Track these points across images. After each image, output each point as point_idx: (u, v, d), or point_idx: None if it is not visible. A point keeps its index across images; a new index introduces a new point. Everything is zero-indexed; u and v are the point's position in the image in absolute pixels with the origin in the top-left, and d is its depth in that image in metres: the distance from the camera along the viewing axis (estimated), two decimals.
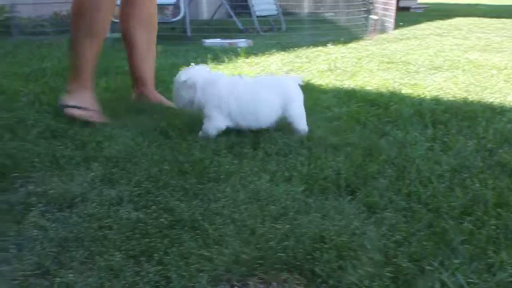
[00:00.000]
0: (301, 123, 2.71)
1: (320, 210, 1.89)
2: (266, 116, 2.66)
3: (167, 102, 3.19)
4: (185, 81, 2.63)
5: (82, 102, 2.82)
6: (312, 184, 2.10)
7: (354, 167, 2.25)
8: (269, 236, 1.70)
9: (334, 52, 5.70)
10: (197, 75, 2.65)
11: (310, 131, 2.71)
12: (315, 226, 1.76)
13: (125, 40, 3.24)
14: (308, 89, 3.73)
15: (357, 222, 1.80)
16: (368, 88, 3.85)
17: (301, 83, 2.76)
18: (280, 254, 1.61)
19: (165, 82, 3.67)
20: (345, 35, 7.08)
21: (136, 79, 3.30)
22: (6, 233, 1.75)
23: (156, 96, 3.27)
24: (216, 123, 2.61)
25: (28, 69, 4.43)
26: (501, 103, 3.46)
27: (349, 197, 2.01)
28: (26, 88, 3.73)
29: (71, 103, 2.80)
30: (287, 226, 1.75)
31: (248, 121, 2.64)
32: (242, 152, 2.42)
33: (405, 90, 3.76)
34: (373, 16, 7.75)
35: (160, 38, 6.20)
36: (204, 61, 4.88)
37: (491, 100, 3.53)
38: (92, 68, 2.89)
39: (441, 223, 1.78)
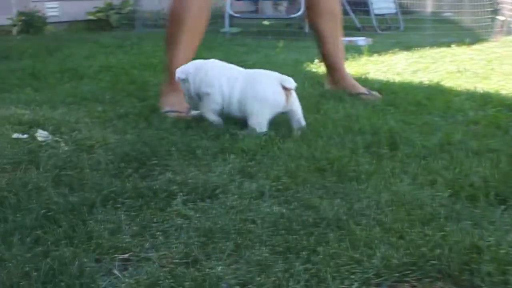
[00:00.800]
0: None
1: (470, 218, 1.78)
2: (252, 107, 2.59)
3: (360, 88, 3.40)
4: (179, 78, 2.68)
5: (174, 105, 2.92)
6: (458, 190, 1.99)
7: (502, 175, 2.11)
8: (420, 242, 1.61)
9: (460, 54, 5.46)
10: (188, 67, 2.69)
11: (449, 134, 2.59)
12: (468, 235, 1.65)
13: (314, 31, 3.51)
14: (438, 91, 3.59)
15: None
16: (504, 92, 3.63)
17: (291, 85, 2.59)
18: (433, 262, 1.53)
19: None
20: (468, 36, 6.77)
21: (328, 66, 3.55)
22: (152, 220, 1.77)
23: (350, 80, 3.51)
24: (210, 103, 2.66)
25: (155, 60, 4.57)
26: None
27: (502, 206, 1.88)
28: (155, 78, 3.85)
29: (167, 108, 2.92)
30: (439, 233, 1.66)
31: (231, 108, 2.63)
32: (380, 152, 2.34)
33: None
34: (499, 17, 7.37)
35: (278, 34, 6.22)
36: None
37: None
38: None
39: None
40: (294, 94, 2.61)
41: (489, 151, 2.39)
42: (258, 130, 2.55)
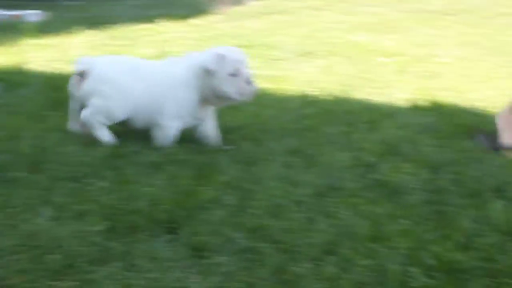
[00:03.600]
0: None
1: (125, 257, 1.90)
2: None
3: None
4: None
5: None
6: (116, 220, 2.10)
7: (180, 194, 2.28)
8: None
9: (167, 31, 5.76)
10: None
11: (120, 144, 2.72)
12: (116, 282, 1.76)
13: None
14: None
15: (178, 272, 1.83)
16: None
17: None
18: None
19: None
20: (185, 7, 7.18)
21: None
22: None
23: None
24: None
25: None
26: (389, 102, 3.68)
27: (169, 236, 2.03)
28: None
29: None
30: (76, 283, 1.74)
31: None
32: (15, 177, 2.37)
33: (266, 85, 3.87)
34: None
35: None
36: None
37: (376, 97, 3.75)
38: None
39: (294, 267, 1.85)
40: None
41: (171, 163, 2.57)
42: None
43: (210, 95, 2.83)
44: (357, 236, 2.02)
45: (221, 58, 2.81)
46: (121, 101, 2.78)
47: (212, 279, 1.80)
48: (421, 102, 3.61)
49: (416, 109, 3.53)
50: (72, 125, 2.87)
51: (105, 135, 2.77)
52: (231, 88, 2.79)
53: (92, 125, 2.77)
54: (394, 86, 4.03)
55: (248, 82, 2.81)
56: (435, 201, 2.32)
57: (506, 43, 5.73)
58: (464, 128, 3.16)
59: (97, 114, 2.76)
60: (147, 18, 6.42)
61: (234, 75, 2.80)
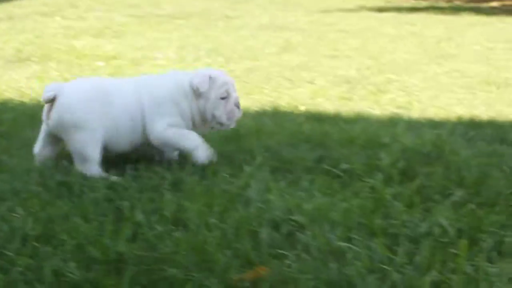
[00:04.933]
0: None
1: None
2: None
3: None
4: None
5: None
6: None
7: None
8: None
9: None
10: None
11: None
12: None
13: None
14: None
15: None
16: None
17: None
18: None
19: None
20: None
21: None
22: None
23: None
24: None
25: None
26: None
27: None
28: None
29: None
30: None
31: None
32: None
33: None
34: None
35: None
36: None
37: None
38: None
39: None
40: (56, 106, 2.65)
41: None
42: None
43: (197, 118, 2.74)
44: (25, 237, 2.06)
45: (212, 80, 2.70)
46: (92, 132, 2.67)
47: None
48: None
49: None
50: (36, 149, 2.73)
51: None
52: (222, 112, 2.71)
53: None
54: None
55: (237, 105, 2.75)
56: (115, 198, 2.40)
57: (225, 45, 5.99)
58: None
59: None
60: None
61: (225, 98, 2.71)
